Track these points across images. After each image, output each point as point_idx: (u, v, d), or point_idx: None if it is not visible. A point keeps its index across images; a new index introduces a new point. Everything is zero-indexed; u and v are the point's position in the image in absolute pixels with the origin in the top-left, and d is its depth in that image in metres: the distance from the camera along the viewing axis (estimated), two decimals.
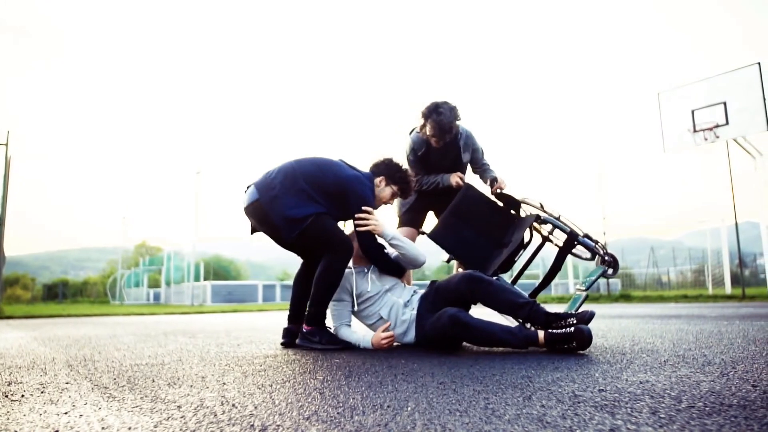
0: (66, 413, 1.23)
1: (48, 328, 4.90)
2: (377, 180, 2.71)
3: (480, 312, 3.17)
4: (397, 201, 3.32)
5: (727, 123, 9.04)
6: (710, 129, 9.20)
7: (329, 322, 2.63)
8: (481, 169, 3.32)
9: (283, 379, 1.66)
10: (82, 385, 1.65)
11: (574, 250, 2.85)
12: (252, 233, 2.74)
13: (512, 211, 3.02)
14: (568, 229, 2.73)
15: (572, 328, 2.12)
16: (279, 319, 5.88)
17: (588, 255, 2.86)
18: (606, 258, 2.71)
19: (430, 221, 3.33)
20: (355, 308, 2.60)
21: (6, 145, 9.03)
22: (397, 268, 2.67)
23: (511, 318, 2.64)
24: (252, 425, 1.08)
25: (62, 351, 2.74)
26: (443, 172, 3.19)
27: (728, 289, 12.52)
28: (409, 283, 3.04)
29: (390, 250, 2.70)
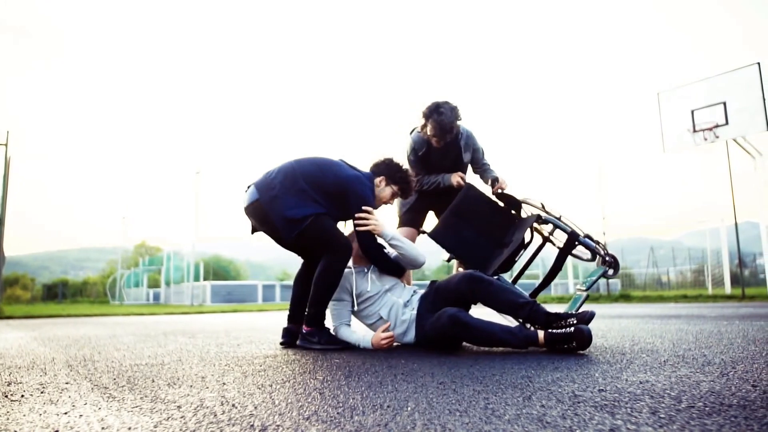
0: (66, 413, 1.23)
1: (48, 328, 4.89)
2: (377, 180, 2.71)
3: (480, 312, 3.17)
4: (397, 201, 3.32)
5: (726, 123, 9.04)
6: (710, 129, 9.20)
7: (329, 322, 2.63)
8: (482, 169, 3.32)
9: (283, 379, 1.66)
10: (82, 385, 1.65)
11: (574, 251, 2.85)
12: (252, 233, 2.74)
13: (513, 212, 3.02)
14: (569, 230, 2.73)
15: (572, 328, 2.12)
16: (279, 319, 5.88)
17: (588, 256, 2.86)
18: (607, 258, 2.71)
19: (431, 221, 3.33)
20: (355, 308, 2.60)
21: (6, 145, 9.03)
22: (396, 268, 2.67)
23: (510, 318, 2.64)
24: (252, 425, 1.08)
25: (62, 351, 2.74)
26: (444, 172, 3.19)
27: (728, 289, 12.53)
28: (409, 283, 3.04)
29: (390, 251, 2.70)
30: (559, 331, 2.15)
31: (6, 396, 1.47)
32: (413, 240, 3.22)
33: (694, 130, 9.39)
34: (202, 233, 17.62)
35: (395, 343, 2.59)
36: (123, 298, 23.44)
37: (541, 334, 2.19)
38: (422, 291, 2.62)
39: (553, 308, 2.53)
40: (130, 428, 1.07)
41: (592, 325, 3.44)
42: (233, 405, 1.28)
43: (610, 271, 2.70)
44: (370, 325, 2.62)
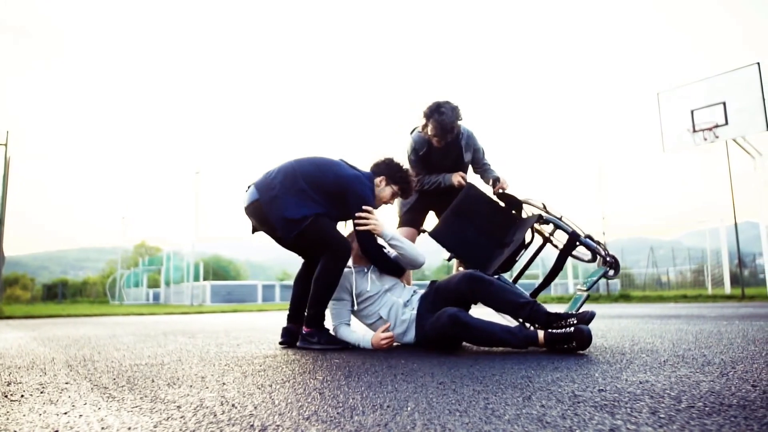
0: (65, 413, 1.23)
1: (47, 328, 4.89)
2: (377, 180, 2.71)
3: (480, 312, 3.17)
4: (397, 201, 3.32)
5: (726, 123, 9.04)
6: (710, 129, 9.20)
7: (329, 321, 2.63)
8: (482, 169, 3.32)
9: (282, 379, 1.66)
10: (82, 385, 1.65)
11: (574, 252, 2.85)
12: (253, 232, 2.75)
13: (514, 212, 3.02)
14: (570, 230, 2.73)
15: (572, 328, 2.12)
16: (278, 319, 5.88)
17: (588, 257, 2.86)
18: (608, 259, 2.71)
19: (431, 221, 3.33)
20: (355, 307, 2.60)
21: (5, 145, 9.03)
22: (396, 268, 2.67)
23: (509, 317, 2.64)
24: (252, 425, 1.08)
25: (62, 351, 2.73)
26: (445, 172, 3.19)
27: (728, 289, 12.53)
28: (408, 283, 3.04)
29: (389, 250, 2.70)
30: (559, 331, 2.15)
31: (6, 396, 1.47)
32: (413, 240, 3.22)
33: (694, 130, 9.39)
34: (201, 233, 17.62)
35: (395, 343, 2.59)
36: (123, 298, 23.43)
37: (540, 334, 2.19)
38: (422, 291, 2.62)
39: (553, 308, 2.53)
40: (129, 428, 1.07)
41: (591, 325, 3.44)
42: (233, 405, 1.28)
43: (611, 272, 2.70)
44: (369, 325, 2.62)
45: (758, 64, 8.84)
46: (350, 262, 2.66)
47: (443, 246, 2.97)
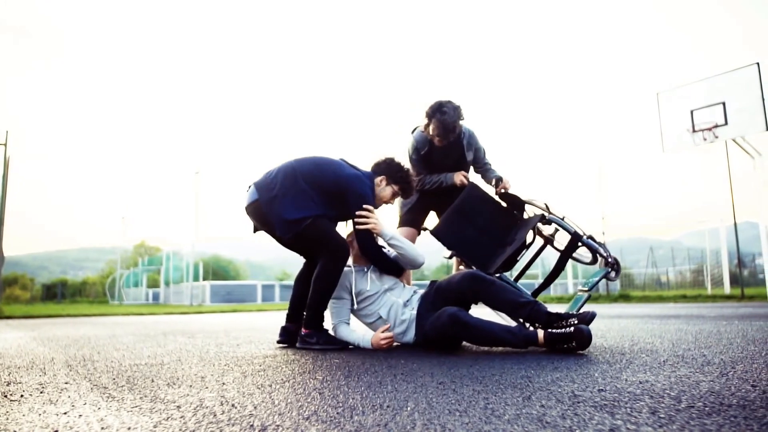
0: (65, 413, 1.23)
1: (47, 328, 4.89)
2: (378, 179, 2.71)
3: (480, 312, 3.17)
4: (398, 201, 3.32)
5: (726, 123, 9.04)
6: (709, 129, 9.20)
7: (328, 320, 2.63)
8: (483, 169, 3.32)
9: (282, 379, 1.66)
10: (82, 385, 1.64)
11: (574, 255, 2.85)
12: (254, 232, 2.75)
13: (515, 212, 3.02)
14: (573, 230, 2.73)
15: (572, 328, 2.12)
16: (278, 319, 5.88)
17: (588, 259, 2.86)
18: (609, 260, 2.71)
19: (432, 221, 3.33)
20: (355, 306, 2.60)
21: (5, 144, 9.03)
22: (395, 267, 2.67)
23: (507, 317, 2.64)
24: (252, 425, 1.08)
25: (61, 351, 2.73)
26: (446, 172, 3.19)
27: (727, 289, 12.54)
28: (408, 283, 3.04)
29: (389, 250, 2.70)
30: (558, 330, 2.15)
31: (5, 396, 1.47)
32: (413, 240, 3.22)
33: (694, 130, 9.39)
34: (201, 233, 17.62)
35: (395, 343, 2.59)
36: (122, 298, 23.42)
37: (540, 333, 2.18)
38: (422, 291, 2.62)
39: (553, 308, 2.53)
40: (129, 428, 1.07)
41: (591, 325, 3.44)
42: (233, 405, 1.28)
43: (612, 273, 2.69)
44: (369, 325, 2.62)
45: (758, 64, 8.84)
46: (350, 262, 2.66)
47: (444, 244, 2.97)
